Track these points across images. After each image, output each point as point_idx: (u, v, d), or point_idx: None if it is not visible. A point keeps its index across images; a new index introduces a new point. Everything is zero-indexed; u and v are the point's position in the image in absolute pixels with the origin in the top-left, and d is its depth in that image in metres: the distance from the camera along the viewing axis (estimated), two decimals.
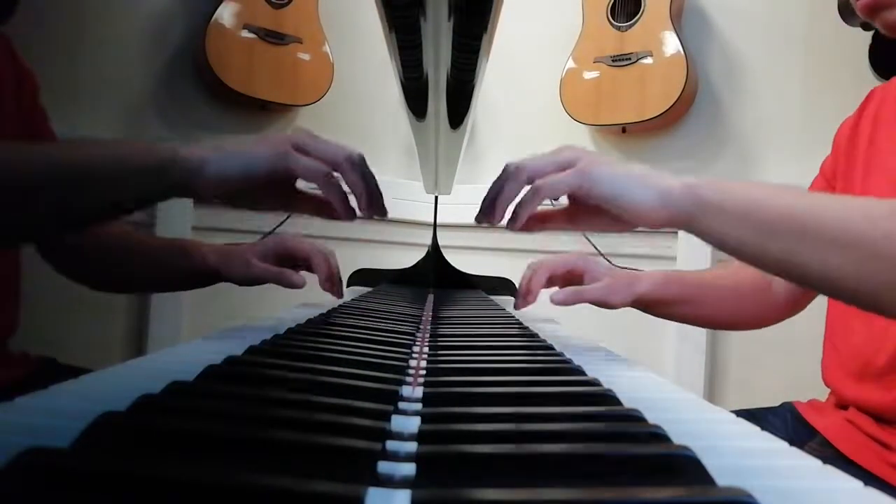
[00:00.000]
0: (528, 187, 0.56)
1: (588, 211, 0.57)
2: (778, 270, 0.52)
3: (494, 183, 0.58)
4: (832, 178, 0.86)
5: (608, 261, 1.62)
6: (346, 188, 0.57)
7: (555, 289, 0.79)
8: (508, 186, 0.56)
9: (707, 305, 0.86)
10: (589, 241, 1.67)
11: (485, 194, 0.58)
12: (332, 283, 0.81)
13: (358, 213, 0.59)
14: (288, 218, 1.61)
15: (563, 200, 0.58)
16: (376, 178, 0.59)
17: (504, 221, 0.59)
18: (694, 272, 0.97)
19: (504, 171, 0.57)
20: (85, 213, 0.53)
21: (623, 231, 0.58)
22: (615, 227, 0.58)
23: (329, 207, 0.59)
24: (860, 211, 0.46)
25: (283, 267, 0.80)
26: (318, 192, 0.57)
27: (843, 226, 0.46)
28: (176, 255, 0.84)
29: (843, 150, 0.85)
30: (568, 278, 0.82)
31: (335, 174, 0.56)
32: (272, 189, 0.57)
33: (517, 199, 0.57)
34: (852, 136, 0.84)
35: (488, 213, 0.57)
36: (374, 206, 0.58)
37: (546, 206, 0.59)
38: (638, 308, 0.83)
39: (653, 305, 0.84)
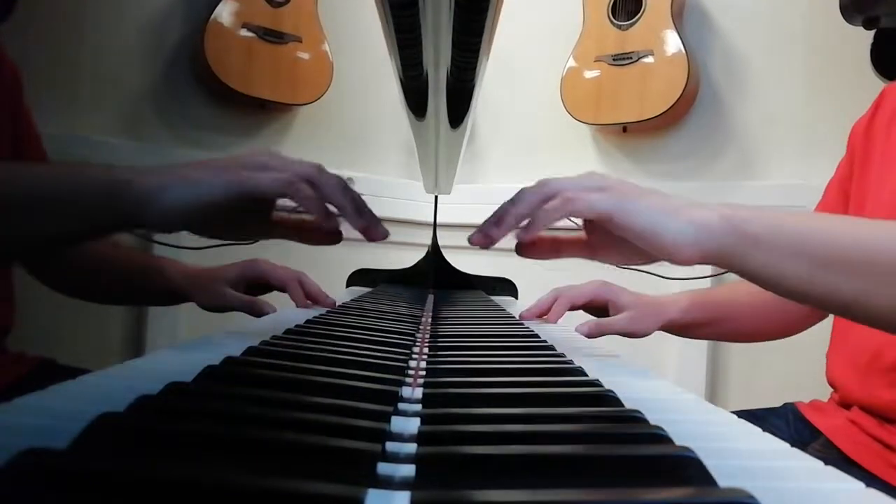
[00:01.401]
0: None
1: (609, 242, 0.52)
2: (833, 306, 0.49)
3: (508, 201, 0.52)
4: (845, 180, 0.86)
5: None
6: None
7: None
8: (530, 197, 0.50)
9: (733, 322, 0.87)
10: None
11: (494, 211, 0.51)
12: (316, 300, 0.82)
13: (344, 231, 0.51)
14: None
15: (568, 224, 0.52)
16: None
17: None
18: (719, 290, 0.98)
19: (521, 190, 0.51)
20: (22, 239, 0.49)
21: (644, 265, 0.54)
22: (636, 261, 0.53)
23: (313, 231, 0.53)
24: None
25: (255, 289, 0.81)
26: (300, 217, 0.52)
27: None
28: (146, 272, 0.84)
29: (858, 151, 0.84)
30: (590, 306, 0.84)
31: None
32: (245, 217, 0.52)
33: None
34: (867, 135, 0.83)
35: (495, 224, 0.50)
36: (366, 218, 0.49)
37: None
38: (668, 331, 0.85)
39: (680, 330, 0.86)
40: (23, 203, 0.46)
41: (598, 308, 0.86)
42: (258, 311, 0.75)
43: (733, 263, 0.47)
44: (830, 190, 0.90)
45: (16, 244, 0.50)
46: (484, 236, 0.51)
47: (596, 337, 0.76)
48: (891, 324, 0.47)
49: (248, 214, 0.51)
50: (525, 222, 0.51)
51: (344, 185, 0.50)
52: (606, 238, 0.51)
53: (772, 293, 0.50)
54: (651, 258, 0.51)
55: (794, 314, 0.85)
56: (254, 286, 0.84)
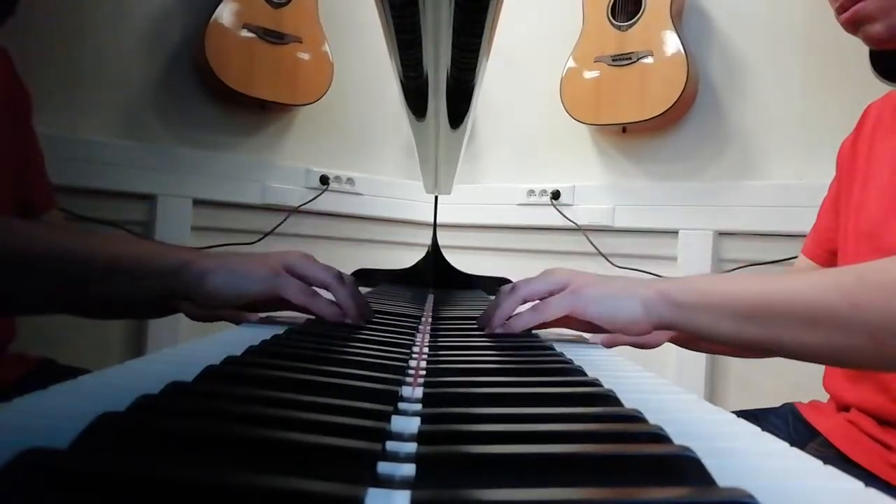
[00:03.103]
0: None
1: (580, 320, 0.62)
2: (759, 351, 0.54)
3: (494, 300, 0.64)
4: (837, 198, 0.87)
5: (609, 261, 1.63)
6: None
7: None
8: (507, 303, 0.62)
9: None
10: (590, 241, 1.67)
11: (485, 309, 0.65)
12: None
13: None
14: (287, 219, 1.62)
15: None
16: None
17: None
18: None
19: (500, 290, 0.64)
20: (94, 300, 0.58)
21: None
22: (603, 332, 0.62)
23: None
24: (829, 284, 0.48)
25: None
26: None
27: (813, 303, 0.48)
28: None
29: (844, 169, 0.86)
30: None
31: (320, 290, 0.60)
32: (265, 303, 0.62)
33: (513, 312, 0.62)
34: (852, 154, 0.85)
35: (487, 324, 0.62)
36: (362, 317, 0.61)
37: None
38: (674, 343, 0.86)
39: (688, 343, 0.87)
40: (99, 269, 0.55)
41: None
42: (242, 320, 0.77)
43: (677, 328, 0.57)
44: (824, 210, 0.91)
45: (82, 302, 0.59)
46: (486, 330, 0.62)
47: (610, 347, 0.77)
48: (824, 360, 0.52)
49: (268, 303, 0.62)
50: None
51: (353, 292, 0.61)
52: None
53: None
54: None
55: None
56: None
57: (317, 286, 0.61)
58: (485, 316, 0.64)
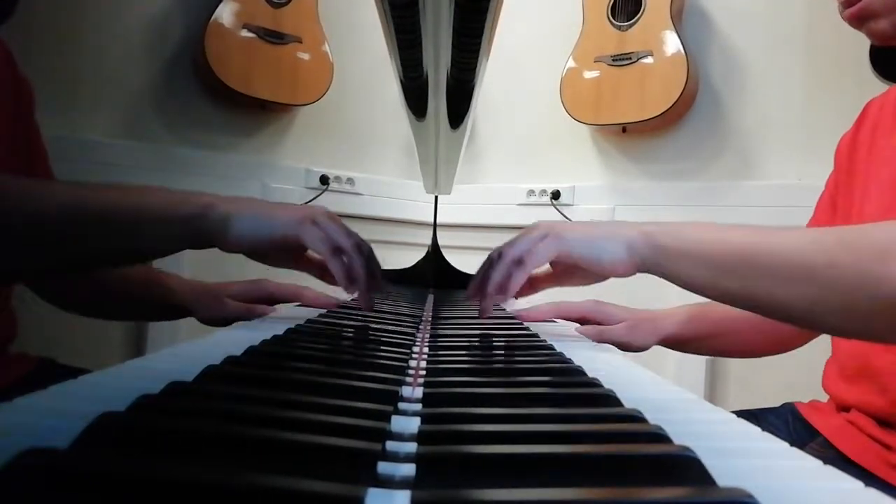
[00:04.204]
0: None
1: (567, 271, 0.64)
2: (735, 303, 0.54)
3: (481, 268, 0.64)
4: (835, 195, 0.87)
5: None
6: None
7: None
8: (498, 269, 0.62)
9: (730, 336, 0.87)
10: None
11: (473, 277, 0.65)
12: (324, 305, 0.82)
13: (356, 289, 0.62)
14: None
15: (546, 266, 0.64)
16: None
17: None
18: (715, 304, 0.98)
19: (488, 258, 0.64)
20: (116, 253, 0.56)
21: (597, 282, 0.64)
22: (591, 280, 0.63)
23: (332, 276, 0.62)
24: (810, 240, 0.48)
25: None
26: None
27: (792, 257, 0.48)
28: (150, 288, 0.84)
29: (843, 165, 0.85)
30: (582, 322, 0.85)
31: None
32: (285, 251, 0.62)
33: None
34: (851, 149, 0.84)
35: (479, 293, 0.63)
36: (372, 289, 0.61)
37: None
38: (663, 346, 0.85)
39: (677, 344, 0.86)
40: (124, 219, 0.54)
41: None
42: (258, 314, 0.76)
43: (657, 271, 0.57)
44: (821, 205, 0.90)
45: (110, 257, 0.57)
46: (478, 300, 0.63)
47: (598, 342, 0.77)
48: (795, 317, 0.51)
49: (289, 252, 0.62)
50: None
51: (366, 263, 0.60)
52: (567, 267, 0.63)
53: None
54: (600, 277, 0.61)
55: (788, 330, 0.85)
56: (258, 303, 0.84)
57: (334, 244, 0.60)
58: (475, 285, 0.63)
